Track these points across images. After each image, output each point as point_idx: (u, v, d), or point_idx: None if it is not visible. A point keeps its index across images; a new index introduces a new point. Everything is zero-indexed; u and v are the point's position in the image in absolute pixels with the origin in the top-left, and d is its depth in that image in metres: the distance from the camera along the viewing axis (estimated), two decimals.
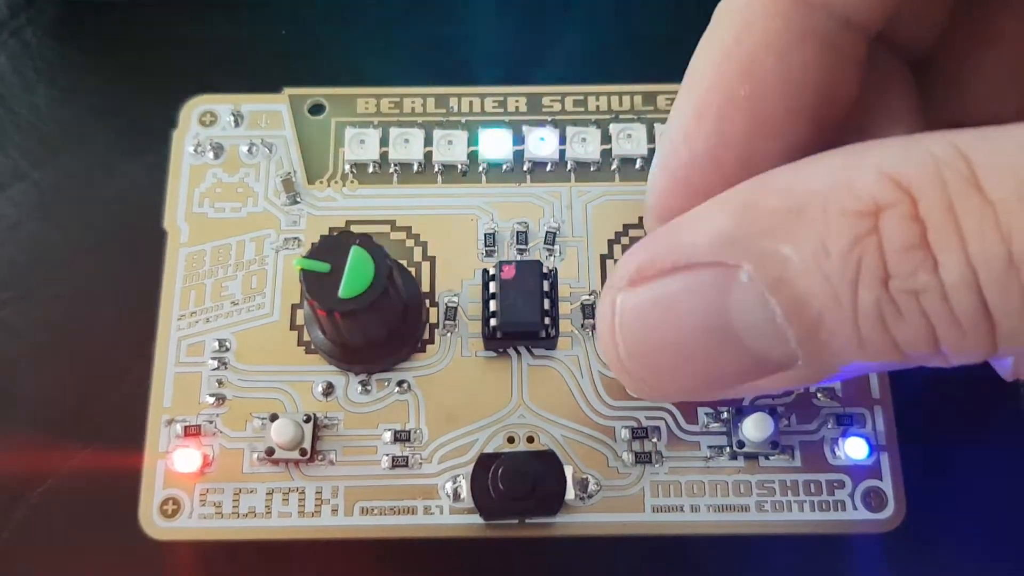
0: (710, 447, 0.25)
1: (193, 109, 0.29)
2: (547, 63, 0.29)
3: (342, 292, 0.23)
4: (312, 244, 0.23)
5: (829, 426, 0.25)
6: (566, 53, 0.30)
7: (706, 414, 0.25)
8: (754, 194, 0.15)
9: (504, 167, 0.28)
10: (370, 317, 0.23)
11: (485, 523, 0.24)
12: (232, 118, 0.29)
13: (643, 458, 0.25)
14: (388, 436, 0.25)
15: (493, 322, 0.25)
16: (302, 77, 0.29)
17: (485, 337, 0.26)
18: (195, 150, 0.28)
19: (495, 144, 0.28)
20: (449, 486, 0.25)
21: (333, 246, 0.23)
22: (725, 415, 0.25)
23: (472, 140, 0.28)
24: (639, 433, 0.25)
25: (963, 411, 0.26)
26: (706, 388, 0.17)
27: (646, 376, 0.17)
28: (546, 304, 0.25)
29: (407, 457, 0.25)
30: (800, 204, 0.14)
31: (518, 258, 0.27)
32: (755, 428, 0.24)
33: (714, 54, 0.17)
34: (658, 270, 0.16)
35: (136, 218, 0.28)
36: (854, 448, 0.25)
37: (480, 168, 0.28)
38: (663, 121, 0.28)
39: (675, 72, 0.28)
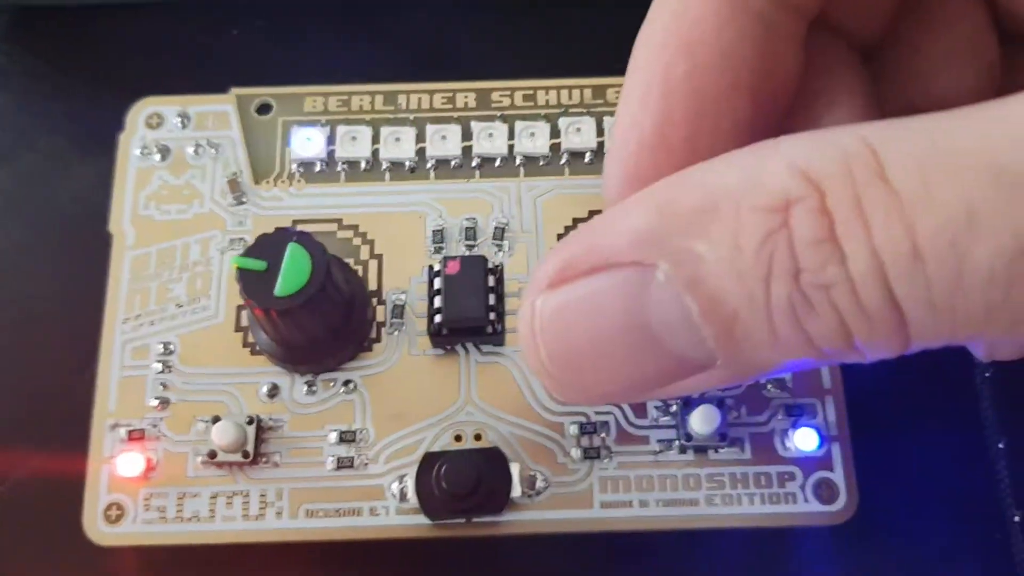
0: (659, 441, 0.25)
1: (140, 112, 0.29)
2: (496, 58, 0.29)
3: (278, 290, 0.23)
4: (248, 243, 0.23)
5: (779, 417, 0.25)
6: (515, 48, 0.29)
7: (655, 407, 0.25)
8: (670, 192, 0.15)
9: (452, 163, 0.28)
10: (309, 315, 0.23)
11: (432, 523, 0.24)
12: (179, 120, 0.28)
13: (592, 453, 0.25)
14: (333, 437, 0.25)
15: (438, 318, 0.25)
16: (250, 77, 0.29)
17: (431, 334, 0.25)
18: (141, 152, 0.28)
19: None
20: (395, 486, 0.24)
21: (271, 244, 0.23)
22: (674, 408, 0.25)
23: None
24: (587, 428, 0.25)
25: (916, 401, 0.26)
26: (629, 390, 0.16)
27: (568, 379, 0.16)
28: (491, 299, 0.25)
29: (352, 458, 0.25)
30: (713, 201, 0.14)
31: (467, 254, 0.27)
32: (702, 421, 0.24)
33: (654, 35, 0.17)
34: (577, 271, 0.16)
35: (83, 222, 0.28)
36: (804, 439, 0.25)
37: (428, 165, 0.28)
38: (613, 115, 0.28)
39: (624, 66, 0.28)
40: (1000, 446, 0.25)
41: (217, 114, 0.29)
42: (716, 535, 0.24)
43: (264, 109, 0.29)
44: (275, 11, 0.30)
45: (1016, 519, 0.25)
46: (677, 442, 0.25)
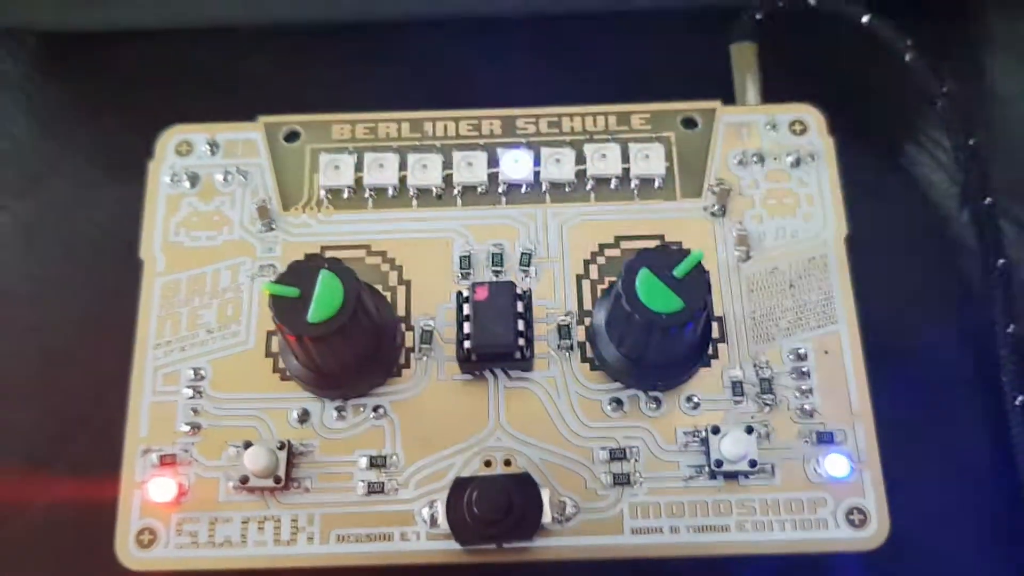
0: (689, 466, 0.25)
1: (169, 139, 0.29)
2: (521, 85, 0.29)
3: (311, 316, 0.23)
4: (281, 270, 0.23)
5: (808, 443, 0.25)
6: (539, 74, 0.30)
7: (684, 432, 0.25)
8: None
9: (479, 190, 0.28)
10: (341, 341, 0.23)
11: (462, 548, 0.24)
12: (208, 147, 0.29)
13: (621, 479, 0.25)
14: (364, 462, 0.25)
15: (467, 344, 0.25)
16: (277, 106, 0.29)
17: (460, 360, 0.25)
18: (171, 180, 0.28)
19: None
20: (426, 511, 0.25)
21: (302, 271, 0.23)
22: (703, 434, 0.25)
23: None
24: (617, 454, 0.25)
25: (947, 425, 0.26)
26: None
27: None
28: (520, 325, 0.25)
29: (383, 483, 0.25)
30: None
31: (494, 280, 0.27)
32: (731, 446, 0.24)
33: None
34: None
35: (113, 248, 0.28)
36: (834, 465, 0.25)
37: (455, 192, 0.28)
38: (637, 141, 0.28)
39: (648, 93, 0.29)
40: None
41: (245, 142, 0.29)
42: (747, 562, 0.24)
43: (292, 137, 0.29)
44: (301, 39, 0.31)
45: None
46: (707, 468, 0.25)
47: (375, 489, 0.25)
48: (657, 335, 0.23)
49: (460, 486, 0.24)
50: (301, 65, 0.30)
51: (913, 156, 0.31)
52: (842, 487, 0.25)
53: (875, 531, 0.24)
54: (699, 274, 0.23)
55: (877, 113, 0.31)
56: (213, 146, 0.29)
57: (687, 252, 0.23)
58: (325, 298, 0.23)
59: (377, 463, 0.25)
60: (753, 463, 0.24)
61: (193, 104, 0.30)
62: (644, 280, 0.23)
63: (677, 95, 0.29)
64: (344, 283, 0.23)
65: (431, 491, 0.25)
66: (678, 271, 0.23)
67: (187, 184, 0.28)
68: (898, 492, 0.25)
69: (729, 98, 0.30)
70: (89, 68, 0.32)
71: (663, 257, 0.23)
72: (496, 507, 0.23)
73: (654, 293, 0.23)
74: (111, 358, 0.27)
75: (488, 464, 0.25)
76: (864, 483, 0.25)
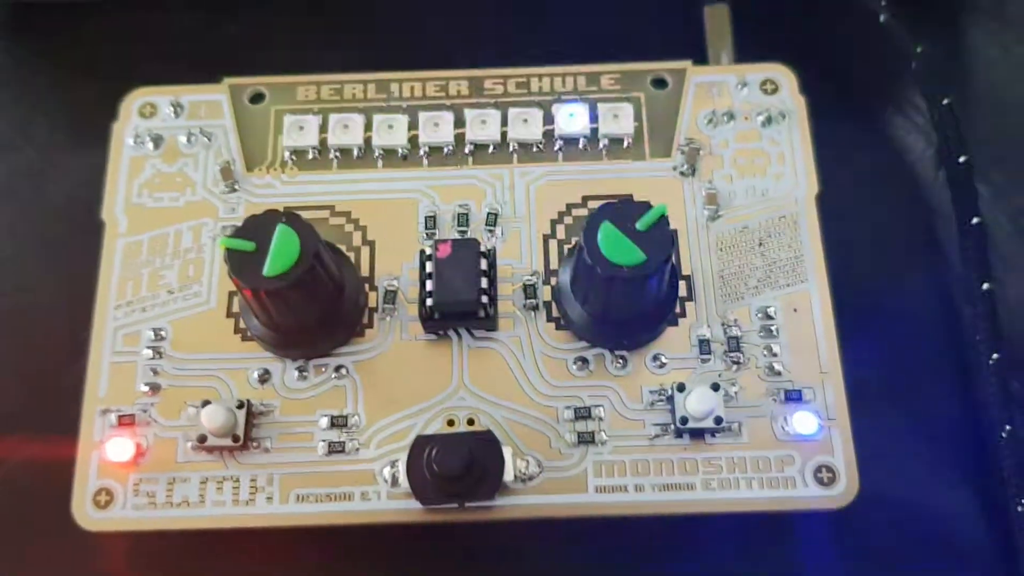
0: (654, 425, 0.25)
1: (134, 101, 0.29)
2: (489, 45, 0.29)
3: (266, 270, 0.22)
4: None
5: (776, 401, 0.25)
6: (507, 35, 0.29)
7: (650, 391, 0.25)
8: None
9: (445, 151, 0.28)
10: (298, 296, 0.23)
11: (423, 508, 0.24)
12: (172, 109, 0.28)
13: (586, 438, 0.24)
14: (324, 422, 0.25)
15: (429, 302, 0.25)
16: (243, 68, 0.29)
17: (423, 318, 0.25)
18: (135, 142, 0.28)
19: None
20: (387, 471, 0.24)
21: (260, 225, 0.23)
22: (669, 392, 0.25)
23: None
24: (582, 413, 0.25)
25: (918, 382, 0.26)
26: None
27: None
28: (484, 283, 0.25)
29: (344, 443, 0.25)
30: None
31: (459, 238, 0.26)
32: (696, 402, 0.24)
33: None
34: None
35: (77, 211, 0.28)
36: (802, 423, 0.24)
37: (421, 152, 0.28)
38: (607, 101, 0.28)
39: (617, 53, 0.28)
40: (1007, 429, 0.25)
41: (210, 103, 0.28)
42: (713, 520, 0.24)
43: (257, 99, 0.29)
44: (267, 1, 0.30)
45: (1020, 508, 0.24)
46: (672, 426, 0.24)
47: (336, 449, 0.24)
48: (620, 289, 0.23)
49: (420, 444, 0.24)
50: (266, 27, 0.30)
51: (887, 117, 0.30)
52: (810, 445, 0.24)
53: (844, 489, 0.24)
54: (663, 228, 0.23)
55: (851, 73, 0.31)
56: (177, 108, 0.28)
57: (650, 206, 0.23)
58: (281, 251, 0.22)
59: (338, 423, 0.25)
60: (719, 420, 0.24)
61: (160, 68, 0.30)
62: (606, 233, 0.23)
63: (647, 57, 0.29)
64: (301, 237, 0.23)
65: (392, 451, 0.24)
66: (641, 224, 0.23)
67: (151, 146, 0.28)
68: (867, 450, 0.24)
69: (701, 60, 0.29)
70: (58, 34, 0.32)
71: (626, 210, 0.23)
72: (457, 465, 0.23)
73: (616, 246, 0.22)
74: (73, 320, 0.26)
75: (451, 423, 0.25)
76: (833, 441, 0.24)
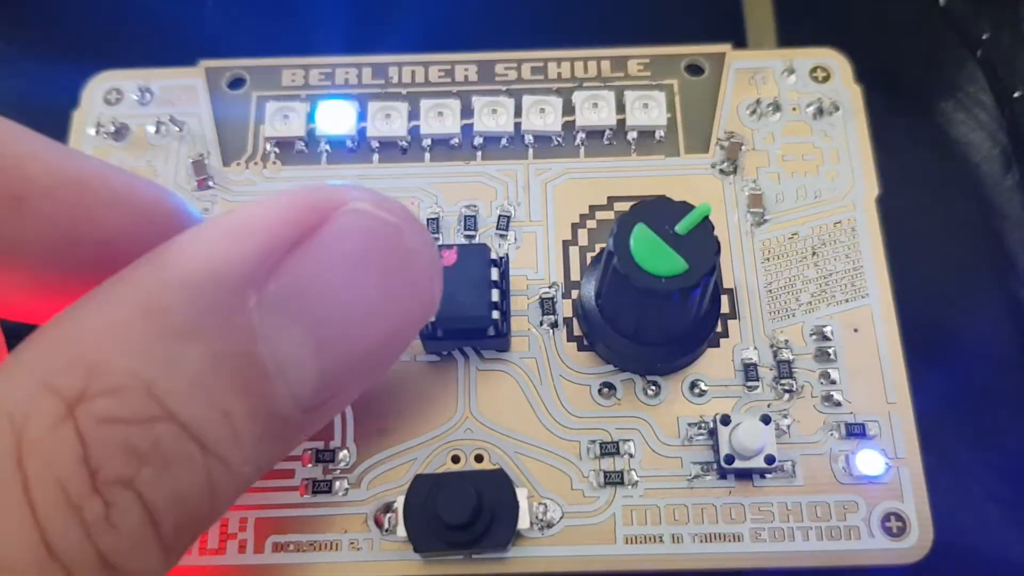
0: (694, 463, 0.21)
1: (98, 86, 0.25)
2: (501, 26, 0.26)
3: None
4: None
5: (836, 437, 0.21)
6: (522, 14, 0.26)
7: (688, 424, 0.21)
8: None
9: (451, 143, 0.24)
10: None
11: (422, 559, 0.20)
12: (140, 95, 0.25)
13: (613, 479, 0.21)
14: (308, 457, 0.21)
15: (432, 318, 0.21)
16: (220, 48, 0.26)
17: (424, 337, 0.22)
18: (97, 132, 0.25)
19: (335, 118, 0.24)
20: (380, 515, 0.21)
21: None
22: (711, 425, 0.21)
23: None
24: (609, 449, 0.21)
25: (996, 415, 0.22)
26: None
27: None
28: (494, 295, 0.21)
29: (331, 482, 0.21)
30: None
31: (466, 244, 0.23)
32: (745, 438, 0.20)
33: None
34: None
35: None
36: (867, 462, 0.21)
37: (423, 144, 0.24)
38: (634, 88, 0.25)
39: (647, 34, 0.25)
40: None
41: (184, 88, 0.25)
42: None
43: (236, 83, 0.25)
44: None
45: None
46: (715, 465, 0.21)
47: (321, 489, 0.21)
48: (656, 304, 0.20)
49: (421, 485, 0.20)
50: (248, 3, 0.27)
51: (949, 111, 0.27)
52: (876, 488, 0.21)
53: (916, 541, 0.20)
54: (706, 231, 0.19)
55: (907, 62, 0.28)
56: (146, 93, 0.25)
57: (691, 206, 0.19)
58: None
59: (324, 458, 0.21)
60: (770, 459, 0.20)
61: (128, 52, 0.26)
62: (640, 237, 0.19)
63: (678, 41, 0.25)
64: None
65: (387, 491, 0.21)
66: (681, 227, 0.19)
67: (113, 136, 0.24)
68: (940, 494, 0.21)
69: (740, 44, 0.26)
70: (12, 13, 0.28)
71: (663, 211, 0.19)
72: (463, 510, 0.20)
73: (652, 253, 0.19)
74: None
75: (456, 460, 0.21)
76: (902, 483, 0.21)
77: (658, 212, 0.19)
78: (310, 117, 0.24)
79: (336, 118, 0.24)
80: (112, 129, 0.24)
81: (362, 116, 0.24)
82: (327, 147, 0.24)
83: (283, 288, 0.14)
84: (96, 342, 0.13)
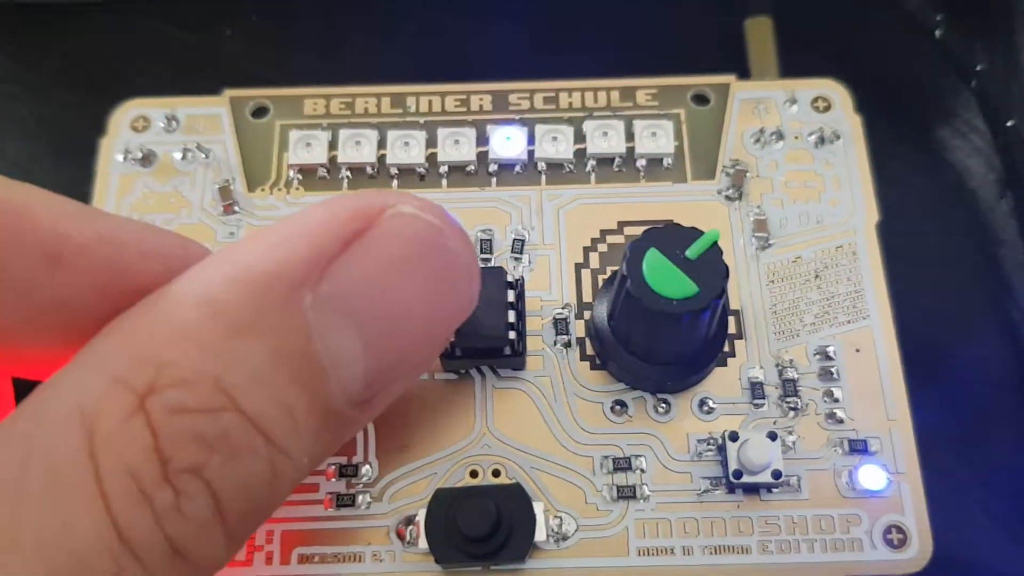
0: (703, 478, 0.22)
1: (124, 114, 0.26)
2: (514, 58, 0.27)
3: None
4: None
5: (839, 452, 0.22)
6: (534, 46, 0.27)
7: (698, 440, 0.22)
8: None
9: (467, 170, 0.25)
10: None
11: (443, 570, 0.21)
12: (166, 123, 0.26)
13: (626, 493, 0.22)
14: (332, 472, 0.22)
15: (452, 338, 0.22)
16: (244, 79, 0.26)
17: (443, 356, 0.22)
18: (125, 158, 0.25)
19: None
20: (402, 528, 0.21)
21: None
22: (720, 441, 0.22)
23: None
24: (621, 464, 0.22)
25: (995, 430, 0.23)
26: None
27: None
28: (511, 316, 0.22)
29: (354, 495, 0.22)
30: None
31: (483, 266, 0.24)
32: (754, 453, 0.21)
33: None
34: None
35: None
36: (869, 477, 0.22)
37: (440, 171, 0.25)
38: (643, 118, 0.26)
39: (656, 65, 0.26)
40: None
41: (208, 117, 0.26)
42: None
43: (260, 112, 0.26)
44: (272, 6, 0.28)
45: None
46: (724, 480, 0.22)
47: (344, 502, 0.22)
48: (668, 325, 0.20)
49: (442, 499, 0.21)
50: (271, 35, 0.27)
51: (945, 139, 0.28)
52: (878, 502, 0.22)
53: (917, 552, 0.21)
54: (715, 255, 0.20)
55: (905, 92, 0.29)
56: (172, 121, 0.26)
57: (701, 232, 0.20)
58: None
59: (347, 473, 0.22)
60: (777, 474, 0.21)
61: (152, 80, 0.27)
62: (652, 262, 0.20)
63: (682, 72, 0.26)
64: None
65: (408, 505, 0.22)
66: (691, 251, 0.20)
67: (141, 162, 0.25)
68: (939, 508, 0.22)
69: (743, 75, 0.27)
70: (35, 39, 0.29)
71: (674, 236, 0.20)
72: (483, 523, 0.20)
73: (664, 276, 0.20)
74: None
75: (474, 475, 0.22)
76: (904, 497, 0.22)
77: (669, 237, 0.20)
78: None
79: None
80: (140, 155, 0.25)
81: (382, 144, 0.25)
82: (348, 174, 0.25)
83: (335, 288, 0.15)
84: (163, 339, 0.14)
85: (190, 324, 0.14)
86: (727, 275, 0.20)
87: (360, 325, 0.15)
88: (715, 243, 0.20)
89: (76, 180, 0.26)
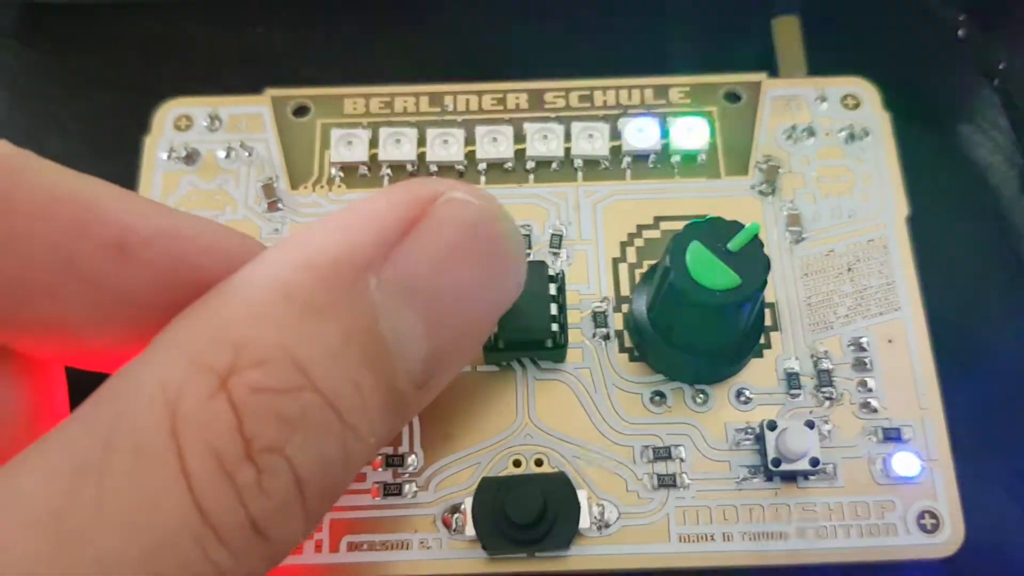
0: (742, 467, 0.22)
1: (167, 113, 0.27)
2: (549, 56, 0.27)
3: None
4: None
5: (874, 441, 0.23)
6: (569, 45, 0.27)
7: (736, 429, 0.23)
8: None
9: (505, 167, 0.26)
10: None
11: (489, 557, 0.22)
12: (209, 121, 0.26)
13: (666, 481, 0.22)
14: (379, 461, 0.23)
15: (495, 330, 0.22)
16: (285, 78, 0.27)
17: (486, 349, 0.23)
18: (169, 156, 0.26)
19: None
20: (448, 516, 0.22)
21: None
22: (758, 430, 0.22)
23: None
24: (661, 453, 0.23)
25: (1019, 419, 0.23)
26: None
27: None
28: (554, 309, 0.22)
29: (400, 485, 0.22)
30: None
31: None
32: (793, 441, 0.21)
33: None
34: None
35: None
36: (903, 464, 0.22)
37: (479, 168, 0.26)
38: (677, 115, 0.26)
39: (686, 63, 0.26)
40: None
41: (251, 116, 0.27)
42: (809, 572, 0.22)
43: (301, 111, 0.27)
44: (312, 7, 0.28)
45: None
46: (763, 468, 0.22)
47: (391, 491, 0.22)
48: (710, 317, 0.21)
49: (489, 487, 0.22)
50: (311, 35, 0.28)
51: (969, 136, 0.28)
52: (912, 488, 0.22)
53: (949, 536, 0.22)
54: (756, 248, 0.21)
55: (928, 90, 0.29)
56: (215, 120, 0.26)
57: (743, 225, 0.21)
58: None
59: (393, 463, 0.23)
60: (815, 462, 0.22)
61: (193, 79, 0.28)
62: (696, 254, 0.21)
63: (711, 70, 0.27)
64: None
65: (453, 493, 0.22)
66: (733, 244, 0.21)
67: (185, 161, 0.26)
68: (970, 493, 0.22)
69: (771, 73, 0.27)
70: (78, 39, 0.30)
71: (716, 229, 0.21)
72: (531, 510, 0.21)
73: (707, 268, 0.20)
74: None
75: (517, 464, 0.23)
76: (936, 484, 0.22)
77: (711, 230, 0.21)
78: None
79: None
80: (183, 154, 0.26)
81: (421, 142, 0.26)
82: (388, 171, 0.26)
83: (398, 272, 0.15)
84: (241, 321, 0.14)
85: (265, 306, 0.14)
86: (768, 267, 0.21)
87: (421, 307, 0.16)
88: (756, 236, 0.21)
89: (116, 178, 0.26)
